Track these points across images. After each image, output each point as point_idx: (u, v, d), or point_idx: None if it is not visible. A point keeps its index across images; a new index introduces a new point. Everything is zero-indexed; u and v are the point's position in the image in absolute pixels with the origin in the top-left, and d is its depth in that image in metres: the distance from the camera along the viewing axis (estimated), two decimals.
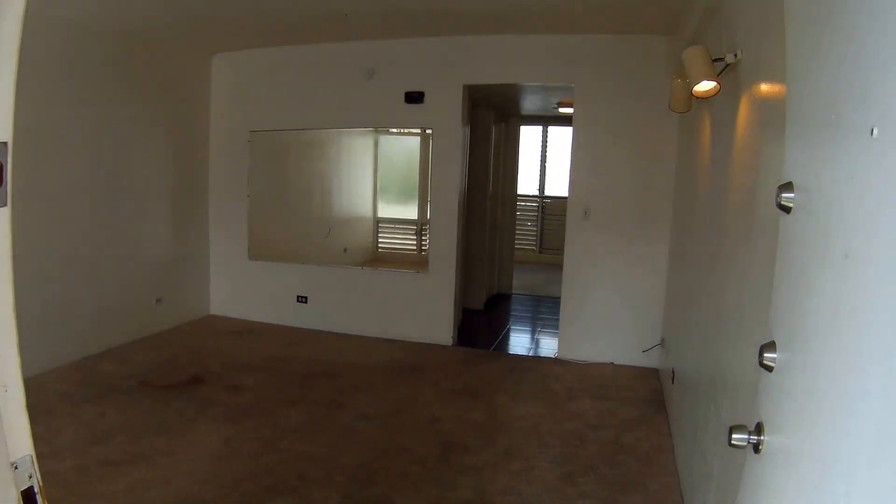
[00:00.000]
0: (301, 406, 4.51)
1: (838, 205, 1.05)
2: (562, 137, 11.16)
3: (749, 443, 1.33)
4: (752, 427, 1.34)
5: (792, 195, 1.24)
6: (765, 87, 2.40)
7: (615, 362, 5.69)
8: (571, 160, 5.75)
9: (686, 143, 4.84)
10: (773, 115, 2.24)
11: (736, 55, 2.83)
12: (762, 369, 1.31)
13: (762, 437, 1.29)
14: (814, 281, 1.14)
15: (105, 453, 3.62)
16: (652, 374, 5.45)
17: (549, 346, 6.39)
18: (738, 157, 2.79)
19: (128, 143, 5.72)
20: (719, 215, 3.14)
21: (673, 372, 4.41)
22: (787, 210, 1.26)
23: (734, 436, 1.34)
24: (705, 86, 2.93)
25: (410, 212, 7.97)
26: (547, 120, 10.41)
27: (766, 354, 1.28)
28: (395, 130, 7.29)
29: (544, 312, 7.97)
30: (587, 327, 5.80)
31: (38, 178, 4.86)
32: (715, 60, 2.91)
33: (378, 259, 7.89)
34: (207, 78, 6.70)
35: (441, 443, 4.00)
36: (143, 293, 6.01)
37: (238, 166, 6.70)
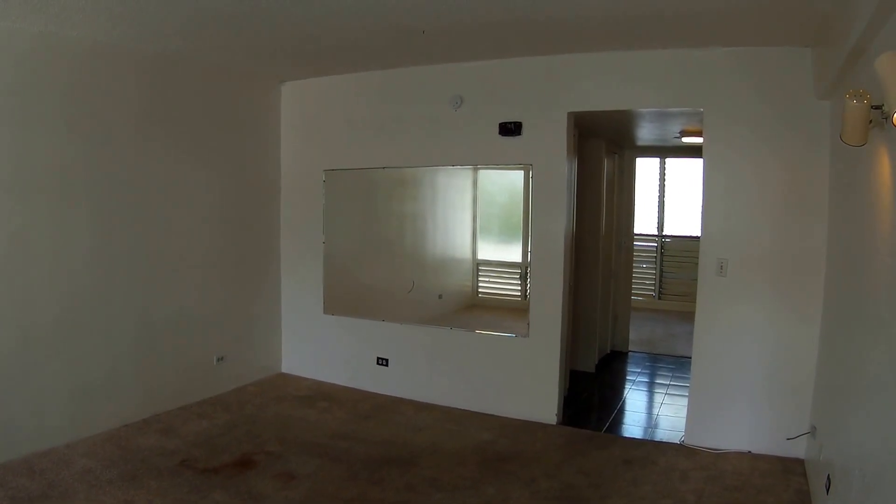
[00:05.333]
0: None
1: None
2: (681, 170, 10.01)
3: None
4: None
5: None
6: None
7: (752, 451, 4.50)
8: (703, 202, 4.64)
9: (846, 182, 3.67)
10: None
11: None
12: None
13: None
14: None
15: None
16: (796, 467, 4.24)
17: (671, 425, 5.23)
18: None
19: (182, 187, 5.17)
20: None
21: (829, 479, 3.24)
22: None
23: None
24: None
25: (514, 253, 7.00)
26: (665, 151, 9.22)
27: None
28: None
29: (665, 375, 6.74)
30: (721, 405, 4.63)
31: (73, 224, 4.40)
32: None
33: (477, 305, 6.92)
34: (277, 110, 6.10)
35: None
36: (201, 351, 5.41)
37: (312, 210, 6.04)
